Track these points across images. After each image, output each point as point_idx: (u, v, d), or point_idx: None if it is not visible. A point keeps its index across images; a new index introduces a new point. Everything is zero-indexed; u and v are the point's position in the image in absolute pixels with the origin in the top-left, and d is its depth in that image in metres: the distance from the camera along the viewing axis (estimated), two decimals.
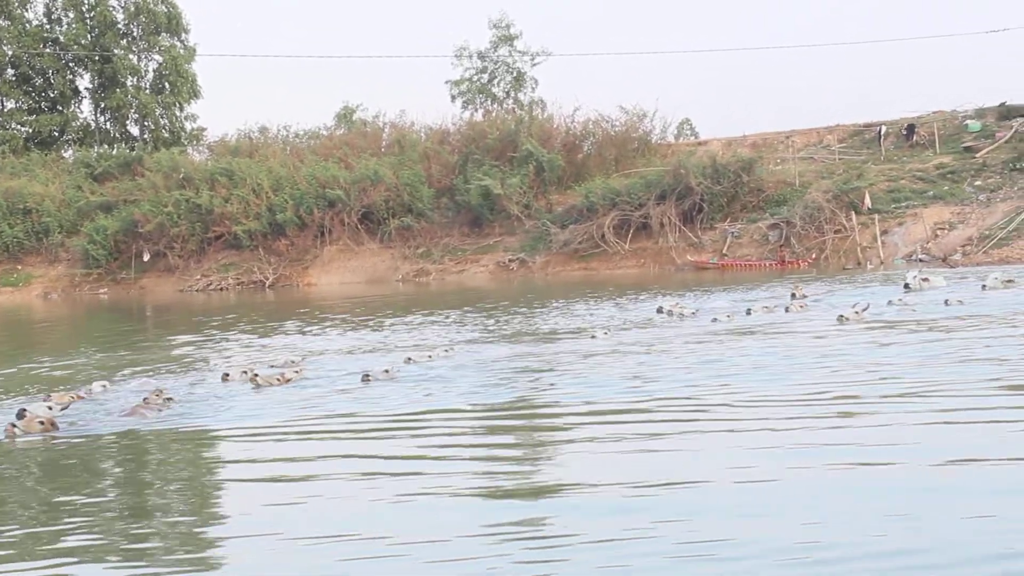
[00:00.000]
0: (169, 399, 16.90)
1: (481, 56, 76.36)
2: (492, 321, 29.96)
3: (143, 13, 74.59)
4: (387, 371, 18.94)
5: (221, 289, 56.84)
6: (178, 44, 76.13)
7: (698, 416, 14.31)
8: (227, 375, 19.18)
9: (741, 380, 16.65)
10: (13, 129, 75.47)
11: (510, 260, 55.37)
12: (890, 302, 26.76)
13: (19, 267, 62.25)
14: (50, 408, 15.81)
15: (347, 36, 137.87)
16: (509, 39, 75.74)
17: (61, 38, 76.11)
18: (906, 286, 30.91)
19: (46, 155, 70.11)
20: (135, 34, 75.94)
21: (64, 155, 73.36)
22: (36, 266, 62.33)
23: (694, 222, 53.99)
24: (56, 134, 76.37)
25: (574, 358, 20.43)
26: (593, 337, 23.06)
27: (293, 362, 21.38)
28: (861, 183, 52.60)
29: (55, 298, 58.59)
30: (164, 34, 75.62)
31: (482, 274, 54.66)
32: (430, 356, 20.90)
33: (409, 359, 20.43)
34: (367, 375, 18.59)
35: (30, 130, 75.59)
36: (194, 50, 76.54)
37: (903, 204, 51.69)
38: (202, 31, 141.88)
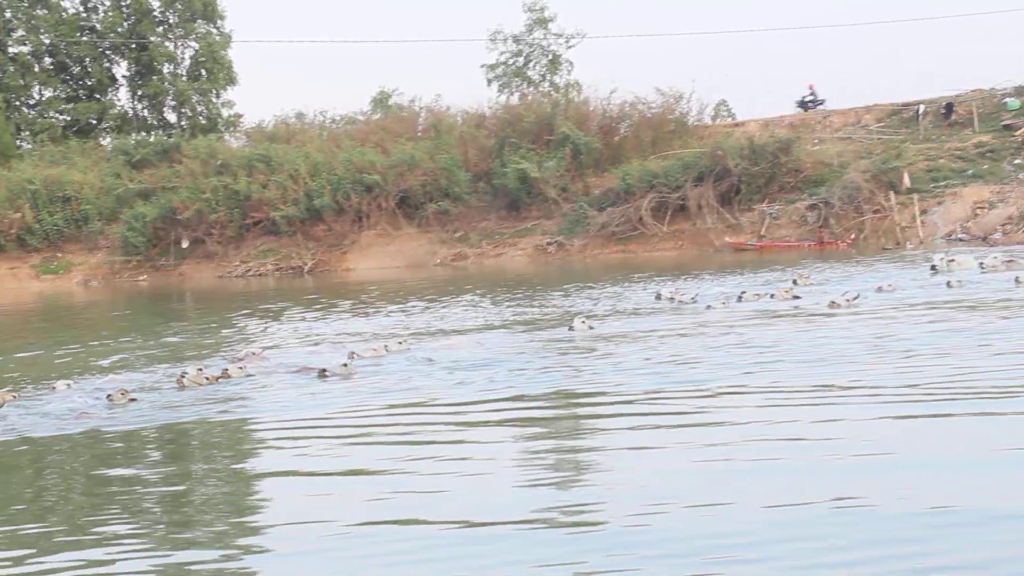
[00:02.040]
0: (133, 399, 16.87)
1: (516, 39, 76.14)
2: (496, 308, 29.97)
3: (179, 0, 74.77)
4: (345, 365, 18.83)
5: (260, 275, 57.00)
6: (214, 31, 76.25)
7: (650, 410, 14.36)
8: (184, 374, 18.86)
9: (705, 373, 16.62)
10: (51, 117, 75.90)
11: (548, 243, 55.34)
12: (879, 288, 26.57)
13: (59, 254, 62.52)
14: None
15: (382, 21, 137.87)
16: (543, 22, 75.49)
17: (98, 26, 76.34)
18: (932, 268, 30.63)
19: (84, 143, 70.29)
20: (171, 21, 76.14)
21: (102, 143, 73.57)
22: (76, 253, 62.54)
23: (732, 203, 53.83)
24: (94, 122, 76.74)
25: (544, 350, 20.36)
26: (570, 328, 22.54)
27: (255, 353, 21.19)
28: (899, 163, 52.35)
29: (95, 285, 58.85)
30: (200, 21, 75.72)
31: (520, 257, 54.65)
32: (374, 350, 20.66)
33: (353, 354, 20.14)
34: (324, 371, 18.47)
35: (68, 118, 76.00)
36: (230, 36, 76.76)
37: (942, 183, 51.45)
38: (237, 17, 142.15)
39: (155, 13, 75.73)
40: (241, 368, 19.22)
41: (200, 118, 76.34)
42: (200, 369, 18.86)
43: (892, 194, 50.68)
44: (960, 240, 46.78)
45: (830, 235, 50.15)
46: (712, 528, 9.10)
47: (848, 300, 24.00)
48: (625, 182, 55.02)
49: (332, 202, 58.02)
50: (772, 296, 26.38)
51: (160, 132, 74.67)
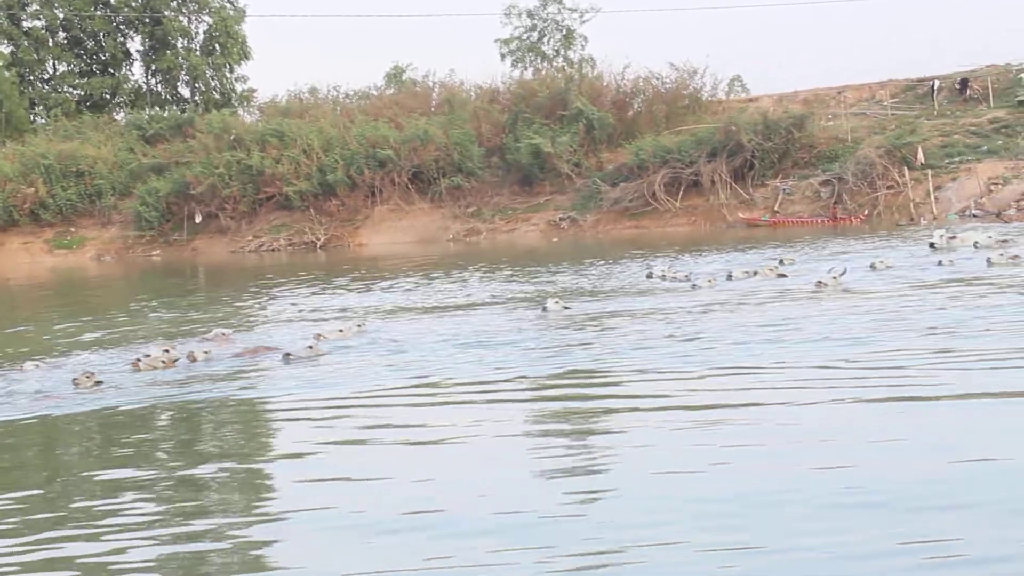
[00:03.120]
0: (99, 382, 16.45)
1: (530, 14, 76.33)
2: (489, 285, 29.63)
3: None
4: (311, 347, 18.46)
5: (273, 250, 56.96)
6: (228, 5, 76.31)
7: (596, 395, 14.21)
8: (139, 359, 18.30)
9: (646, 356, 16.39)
10: (65, 92, 76.04)
11: (561, 219, 55.22)
12: (872, 266, 26.08)
13: (72, 229, 62.56)
14: None
15: None
16: None
17: (112, 1, 76.28)
18: (931, 245, 30.29)
19: (98, 118, 70.29)
20: None
21: (116, 117, 73.61)
22: (89, 228, 62.58)
23: (745, 179, 53.68)
24: (108, 96, 76.84)
25: (513, 332, 19.88)
26: (544, 309, 21.93)
27: (224, 334, 20.77)
28: (914, 138, 52.17)
29: (108, 260, 58.90)
30: None
31: (533, 233, 54.54)
32: (341, 331, 20.27)
33: (320, 336, 19.74)
34: (288, 354, 18.08)
35: (82, 93, 76.19)
36: (244, 11, 76.82)
37: (956, 159, 51.27)
38: None
39: None
40: (207, 352, 18.86)
41: (214, 93, 76.45)
42: (167, 351, 18.47)
43: (906, 170, 50.47)
44: (974, 216, 46.62)
45: (843, 211, 49.98)
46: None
47: (835, 278, 23.61)
48: (638, 157, 54.85)
49: (345, 177, 57.97)
50: (755, 274, 26.00)
51: (174, 107, 74.75)
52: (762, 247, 36.81)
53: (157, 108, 74.17)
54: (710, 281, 25.23)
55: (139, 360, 18.04)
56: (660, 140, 55.77)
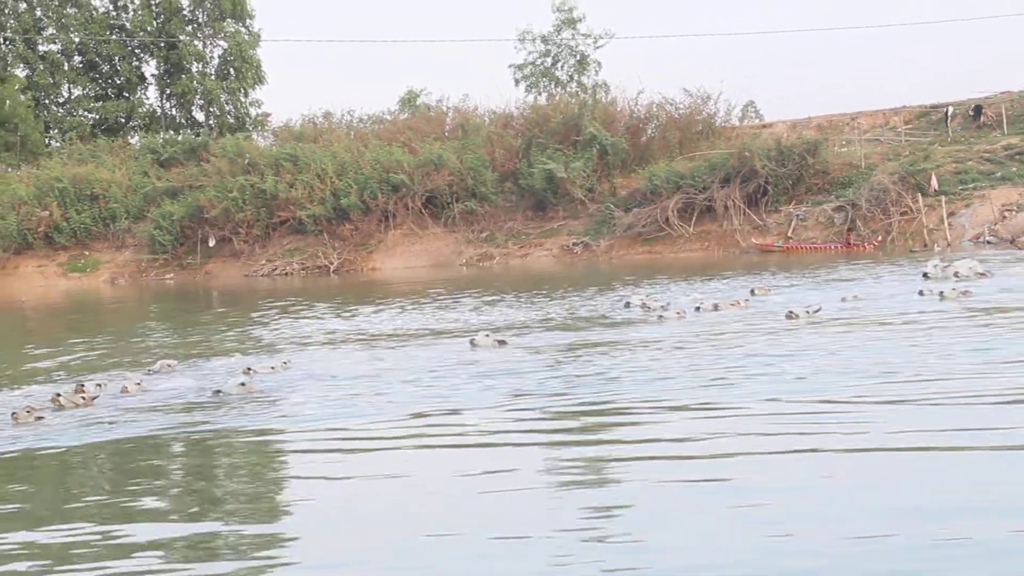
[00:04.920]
0: (40, 417, 15.72)
1: (544, 40, 76.23)
2: (461, 314, 29.15)
3: None
4: (243, 384, 17.59)
5: (286, 274, 57.00)
6: (243, 30, 76.52)
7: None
8: (58, 395, 17.37)
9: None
10: (80, 116, 76.30)
11: (574, 244, 55.25)
12: (843, 299, 25.54)
13: (87, 253, 62.73)
14: None
15: (411, 20, 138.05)
16: (572, 22, 75.57)
17: (127, 25, 76.75)
18: (925, 275, 29.96)
19: (113, 141, 70.59)
20: (200, 20, 76.45)
21: (130, 141, 73.82)
22: (103, 252, 62.77)
23: (759, 205, 53.64)
24: (122, 120, 77.05)
25: (434, 366, 19.08)
26: (473, 343, 21.01)
27: (170, 365, 20.29)
28: (928, 165, 52.09)
29: (122, 283, 59.01)
30: (229, 20, 76.01)
31: (546, 258, 54.54)
32: (272, 368, 19.56)
33: (250, 370, 19.06)
34: (218, 391, 17.28)
35: (97, 117, 76.46)
36: (258, 36, 77.02)
37: (970, 185, 51.19)
38: (266, 16, 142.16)
39: (184, 12, 76.15)
40: (139, 383, 18.30)
41: (228, 117, 76.59)
42: (99, 385, 17.99)
43: (920, 196, 50.39)
44: (988, 243, 46.53)
45: (857, 237, 49.91)
46: None
47: (809, 312, 23.01)
48: (652, 183, 54.91)
49: (359, 201, 58.05)
50: (716, 307, 25.23)
51: (188, 131, 74.98)
52: (761, 273, 36.62)
53: (171, 132, 74.52)
54: (678, 313, 24.58)
55: (58, 395, 17.27)
56: (673, 166, 55.81)
